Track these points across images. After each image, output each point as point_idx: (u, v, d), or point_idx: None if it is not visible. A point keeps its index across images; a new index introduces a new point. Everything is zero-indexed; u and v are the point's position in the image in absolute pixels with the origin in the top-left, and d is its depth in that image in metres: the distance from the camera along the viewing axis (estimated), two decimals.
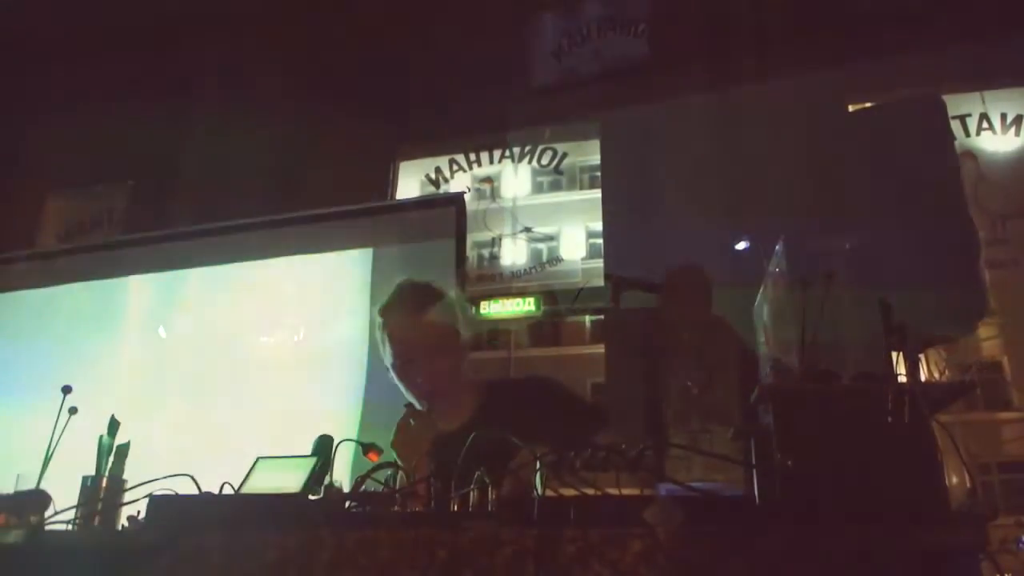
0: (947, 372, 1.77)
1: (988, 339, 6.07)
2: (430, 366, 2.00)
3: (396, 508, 1.34)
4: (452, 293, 2.18)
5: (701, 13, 5.29)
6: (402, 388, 2.09)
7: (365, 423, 3.32)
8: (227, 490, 1.47)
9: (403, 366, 2.03)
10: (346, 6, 5.97)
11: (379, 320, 2.09)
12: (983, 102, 5.18)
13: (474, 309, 5.37)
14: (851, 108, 4.61)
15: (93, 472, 1.90)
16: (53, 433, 2.01)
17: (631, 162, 5.19)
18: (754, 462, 1.28)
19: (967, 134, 5.14)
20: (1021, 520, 4.19)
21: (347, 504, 1.37)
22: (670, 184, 4.94)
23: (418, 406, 1.99)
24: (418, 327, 2.01)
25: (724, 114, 4.93)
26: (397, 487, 1.42)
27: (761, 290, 1.59)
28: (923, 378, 1.50)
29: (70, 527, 1.65)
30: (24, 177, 6.39)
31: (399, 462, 1.58)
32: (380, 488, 1.43)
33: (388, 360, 2.10)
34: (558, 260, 6.42)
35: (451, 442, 1.87)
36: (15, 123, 6.41)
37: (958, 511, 1.18)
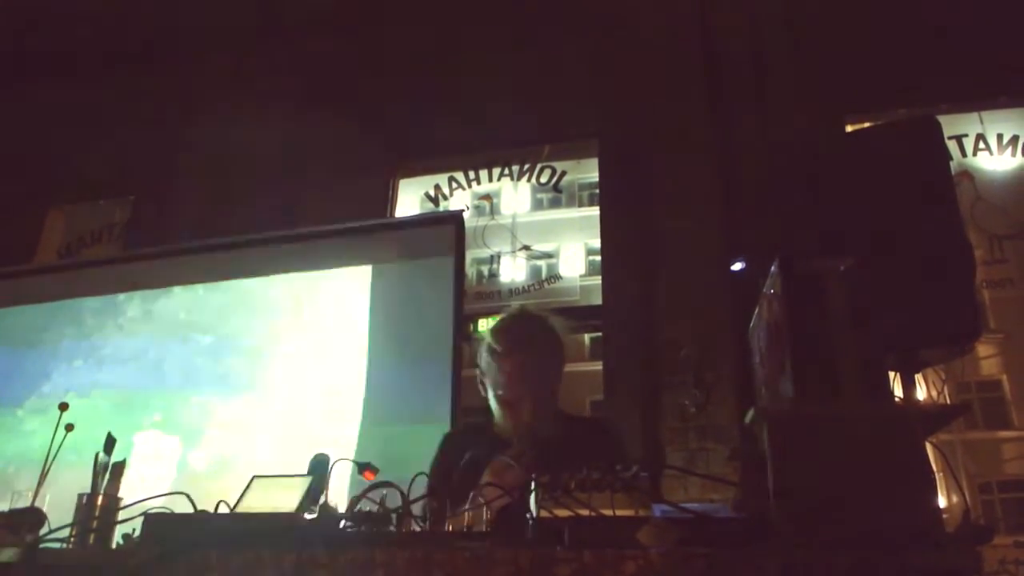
0: (946, 391, 1.77)
1: (987, 357, 6.07)
2: (545, 393, 2.09)
3: (391, 528, 1.34)
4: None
5: (700, 33, 5.33)
6: (497, 410, 2.13)
7: (362, 442, 3.32)
8: (223, 508, 1.47)
9: (515, 388, 2.08)
10: (347, 25, 6.02)
11: (496, 342, 2.13)
12: (981, 122, 5.20)
13: (472, 327, 5.36)
14: (849, 129, 4.64)
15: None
16: (49, 450, 2.00)
17: (630, 180, 5.21)
18: (749, 484, 1.27)
19: (964, 154, 5.16)
20: (1020, 541, 4.17)
21: (342, 524, 1.37)
22: (668, 202, 4.96)
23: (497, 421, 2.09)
24: (543, 368, 2.11)
25: (722, 133, 4.97)
26: (391, 507, 1.41)
27: (756, 311, 1.60)
28: (921, 397, 1.50)
29: (65, 545, 1.64)
30: (26, 192, 6.41)
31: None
32: (375, 508, 1.43)
33: (497, 381, 2.12)
34: (557, 278, 6.41)
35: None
36: (17, 137, 6.44)
37: (952, 533, 1.17)
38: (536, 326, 2.19)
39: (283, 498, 1.42)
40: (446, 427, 2.93)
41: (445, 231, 3.65)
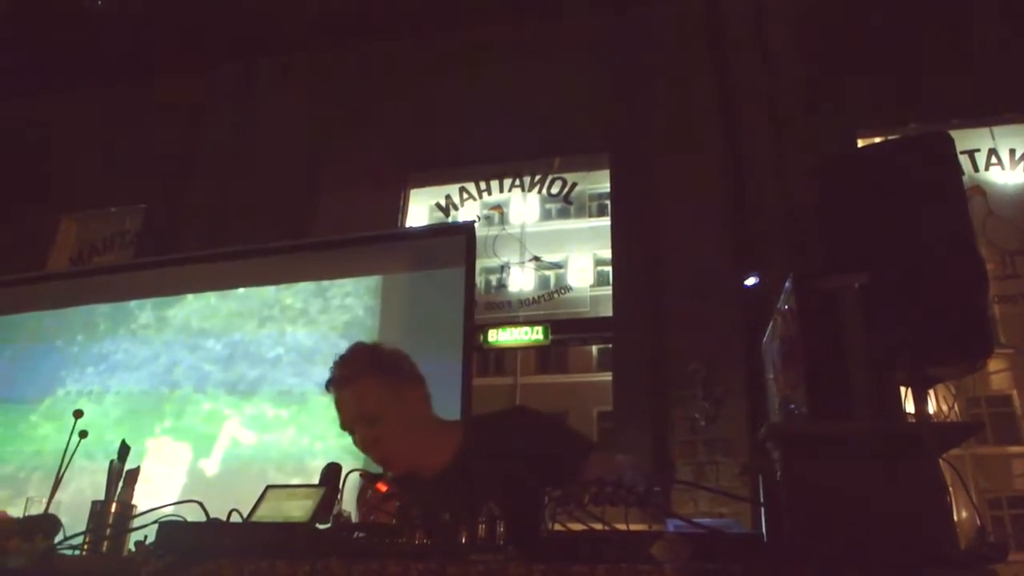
0: (956, 406, 1.76)
1: (997, 372, 6.04)
2: (373, 435, 1.89)
3: (404, 540, 1.34)
4: (391, 346, 2.09)
5: (711, 47, 5.35)
6: None
7: None
8: (236, 518, 1.47)
9: (354, 439, 1.93)
10: (357, 36, 6.05)
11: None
12: (992, 137, 5.19)
13: (482, 337, 5.37)
14: (860, 143, 4.64)
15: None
16: (63, 457, 2.01)
17: (640, 191, 5.22)
18: (761, 500, 1.27)
19: (976, 169, 5.15)
20: None
21: (355, 534, 1.37)
22: (679, 213, 4.97)
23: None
24: (351, 400, 1.92)
25: (733, 147, 4.97)
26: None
27: (770, 327, 1.60)
28: (932, 411, 1.49)
29: (79, 552, 1.65)
30: (38, 200, 6.46)
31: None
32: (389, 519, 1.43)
33: None
34: (566, 289, 6.41)
35: (435, 488, 1.83)
36: (29, 146, 6.49)
37: (967, 552, 1.17)
38: (356, 353, 2.02)
39: (296, 508, 1.42)
40: None
41: (456, 242, 3.66)
